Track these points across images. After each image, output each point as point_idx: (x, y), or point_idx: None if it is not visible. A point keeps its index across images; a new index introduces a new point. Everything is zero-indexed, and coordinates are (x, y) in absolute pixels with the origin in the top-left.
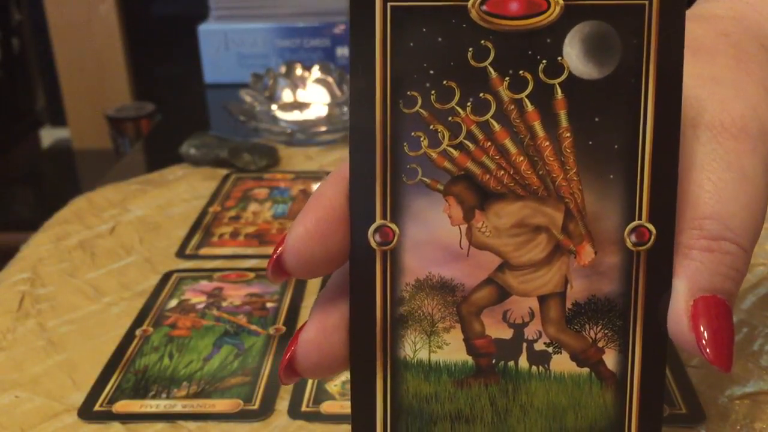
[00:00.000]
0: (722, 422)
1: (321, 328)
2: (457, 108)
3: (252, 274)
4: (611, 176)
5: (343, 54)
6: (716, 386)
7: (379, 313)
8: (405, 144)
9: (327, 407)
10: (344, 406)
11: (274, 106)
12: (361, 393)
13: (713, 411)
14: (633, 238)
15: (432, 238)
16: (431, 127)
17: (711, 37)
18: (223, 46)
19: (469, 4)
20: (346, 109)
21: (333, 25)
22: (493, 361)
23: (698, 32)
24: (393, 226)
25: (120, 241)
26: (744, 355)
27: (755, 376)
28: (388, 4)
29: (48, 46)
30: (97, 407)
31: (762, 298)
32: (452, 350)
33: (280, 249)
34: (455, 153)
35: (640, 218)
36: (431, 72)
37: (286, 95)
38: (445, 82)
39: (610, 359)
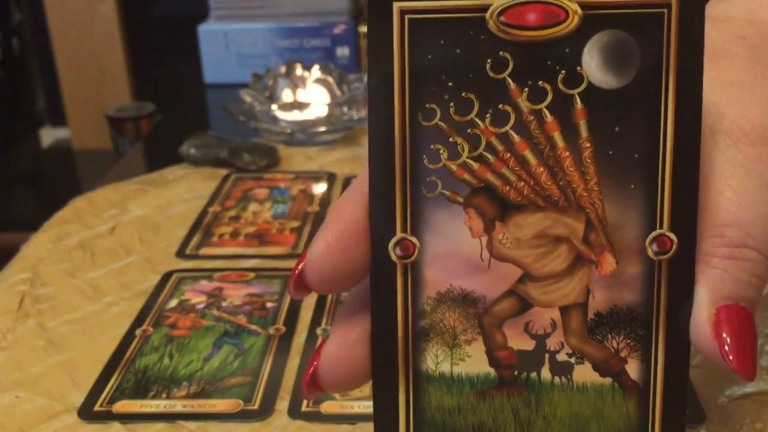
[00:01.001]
0: (722, 422)
1: (343, 342)
2: (477, 120)
3: (252, 274)
4: (632, 185)
5: (343, 54)
6: (716, 386)
7: (401, 327)
8: (424, 157)
9: (327, 407)
10: (344, 406)
11: (274, 106)
12: (383, 406)
13: (713, 411)
14: (654, 247)
15: (453, 250)
16: (450, 139)
17: (727, 41)
18: (223, 46)
19: (487, 15)
20: (346, 109)
21: (333, 25)
22: (516, 373)
23: (714, 35)
24: (413, 239)
25: (120, 241)
26: None
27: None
28: (406, 16)
29: (48, 46)
30: (97, 407)
31: (762, 298)
32: (474, 362)
33: (301, 265)
34: (475, 165)
35: (661, 227)
36: (450, 84)
37: (286, 95)
38: (463, 93)
39: (632, 369)
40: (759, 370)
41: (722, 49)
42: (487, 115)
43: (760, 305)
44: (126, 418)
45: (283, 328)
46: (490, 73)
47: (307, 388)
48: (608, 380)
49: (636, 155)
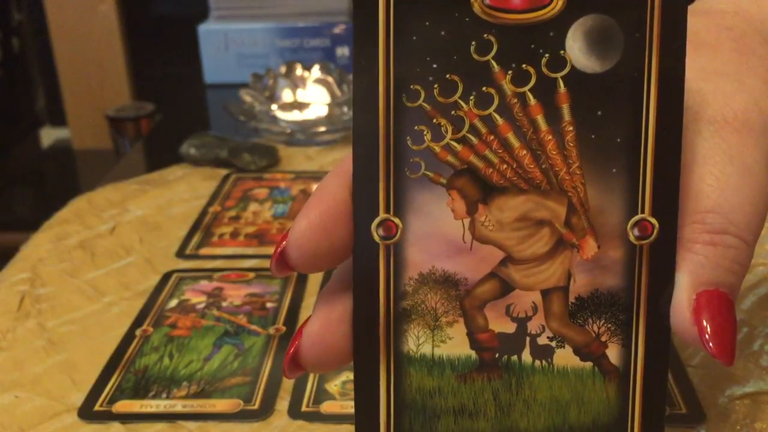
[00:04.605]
0: (722, 422)
1: (325, 321)
2: (460, 102)
3: (252, 274)
4: (614, 170)
5: (343, 54)
6: (716, 386)
7: (383, 308)
8: (408, 138)
9: (327, 407)
10: (344, 406)
11: (274, 106)
12: (364, 388)
13: (713, 411)
14: (636, 231)
15: (435, 231)
16: (434, 120)
17: (714, 32)
18: (223, 46)
19: None
20: (346, 109)
21: (333, 25)
22: (497, 356)
23: (701, 26)
24: (396, 220)
25: (120, 241)
26: (744, 355)
27: (755, 376)
28: None
29: (48, 46)
30: (97, 407)
31: (762, 298)
32: (455, 344)
33: (283, 243)
34: (458, 147)
35: (642, 212)
36: (434, 66)
37: (286, 95)
38: (448, 75)
39: (613, 353)
40: (759, 370)
41: (708, 39)
42: (471, 97)
43: (760, 305)
44: (126, 418)
45: (283, 328)
46: (475, 56)
47: (288, 367)
48: (589, 364)
49: (618, 140)
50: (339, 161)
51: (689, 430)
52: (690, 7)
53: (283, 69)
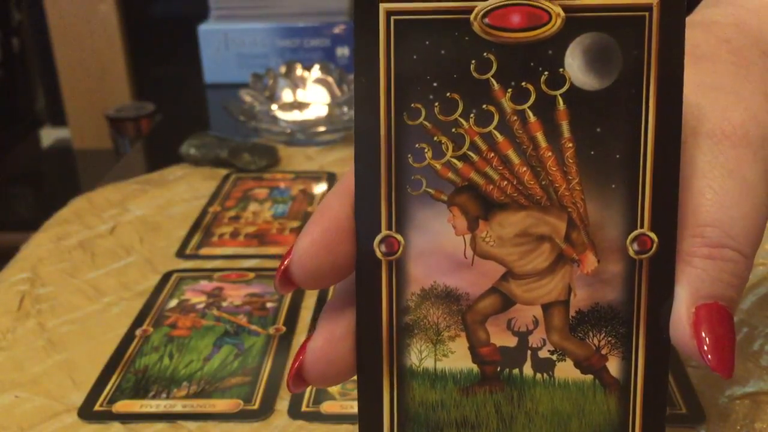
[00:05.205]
0: (722, 422)
1: (328, 337)
2: (461, 119)
3: (252, 274)
4: (613, 185)
5: (343, 54)
6: (716, 386)
7: (385, 323)
8: (409, 155)
9: (327, 407)
10: (344, 406)
11: (274, 106)
12: (368, 401)
13: (713, 411)
14: (635, 246)
15: (437, 247)
16: (435, 138)
17: (712, 44)
18: (223, 46)
19: (472, 16)
20: (346, 109)
21: (333, 25)
22: (498, 369)
23: (699, 39)
24: (398, 237)
25: (120, 241)
26: (744, 355)
27: (755, 376)
28: (392, 17)
29: (48, 46)
30: (97, 407)
31: (762, 298)
32: (458, 358)
33: (287, 261)
34: (459, 164)
35: (642, 227)
36: (434, 84)
37: (286, 95)
38: (448, 93)
39: (613, 366)
40: (759, 370)
41: (707, 52)
42: (471, 115)
43: (760, 305)
44: (126, 418)
45: (283, 328)
46: (475, 74)
47: (292, 382)
48: (589, 377)
49: (617, 155)
50: (341, 178)
51: (689, 430)
52: (688, 19)
53: (283, 69)
